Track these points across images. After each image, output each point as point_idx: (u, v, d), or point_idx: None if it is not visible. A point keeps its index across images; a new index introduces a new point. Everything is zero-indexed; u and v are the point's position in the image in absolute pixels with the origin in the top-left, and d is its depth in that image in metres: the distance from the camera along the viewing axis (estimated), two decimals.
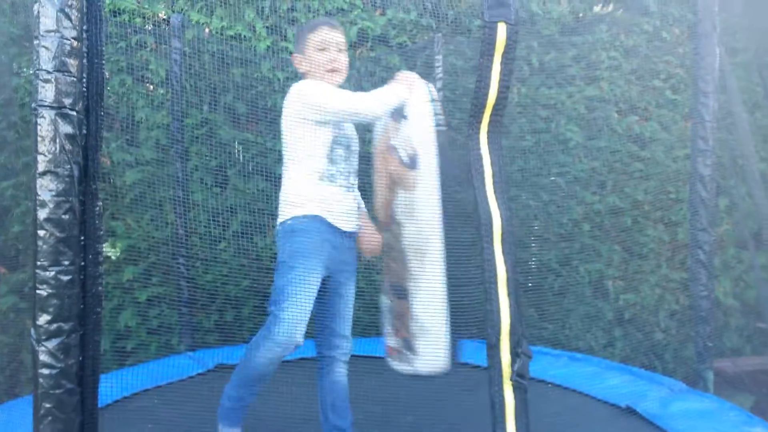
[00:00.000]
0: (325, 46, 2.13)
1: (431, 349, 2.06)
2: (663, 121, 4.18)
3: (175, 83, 3.44)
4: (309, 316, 1.99)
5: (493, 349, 1.36)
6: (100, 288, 1.24)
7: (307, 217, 2.04)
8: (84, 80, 1.16)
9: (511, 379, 1.31)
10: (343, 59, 2.17)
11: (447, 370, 2.07)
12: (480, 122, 1.44)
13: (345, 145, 2.13)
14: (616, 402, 2.65)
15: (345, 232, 2.10)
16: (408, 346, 2.14)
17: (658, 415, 2.48)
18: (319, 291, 2.05)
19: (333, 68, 2.13)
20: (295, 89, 2.09)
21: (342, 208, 2.09)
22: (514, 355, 1.34)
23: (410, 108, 2.07)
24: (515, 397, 1.35)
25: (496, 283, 1.38)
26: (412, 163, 2.08)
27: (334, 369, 2.16)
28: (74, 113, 1.13)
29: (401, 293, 2.13)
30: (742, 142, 2.54)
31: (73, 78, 1.12)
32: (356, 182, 2.19)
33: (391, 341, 2.22)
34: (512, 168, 4.08)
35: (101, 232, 1.23)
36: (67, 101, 1.12)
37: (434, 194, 2.03)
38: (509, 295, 1.39)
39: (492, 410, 1.35)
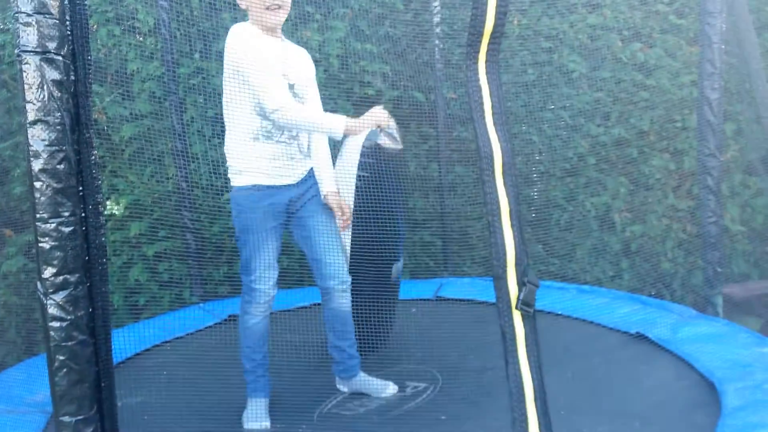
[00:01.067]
0: None
1: None
2: (668, 48, 4.06)
3: (164, 31, 3.34)
4: (276, 271, 2.20)
5: (500, 280, 1.35)
6: (103, 239, 1.23)
7: (243, 189, 2.11)
8: (67, 22, 1.12)
9: (517, 308, 1.31)
10: (284, 3, 2.11)
11: None
12: (477, 52, 1.38)
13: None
14: (626, 329, 2.69)
15: (290, 185, 2.17)
16: None
17: (668, 340, 2.52)
18: (298, 236, 2.25)
19: (270, 4, 2.08)
20: (228, 39, 2.04)
21: (282, 162, 2.13)
22: (521, 284, 1.33)
23: (345, 150, 2.29)
24: (524, 326, 1.35)
25: (499, 215, 1.36)
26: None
27: (333, 298, 2.29)
28: (60, 58, 1.09)
29: None
30: (750, 63, 2.46)
31: (55, 20, 1.07)
32: (305, 134, 2.22)
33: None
34: (516, 103, 4.01)
35: (99, 182, 1.21)
36: (51, 45, 1.08)
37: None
38: (513, 226, 1.37)
39: (503, 340, 1.35)
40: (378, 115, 2.24)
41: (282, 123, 2.06)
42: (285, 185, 2.16)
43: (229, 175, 2.16)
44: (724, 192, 3.76)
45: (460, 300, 3.28)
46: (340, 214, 2.32)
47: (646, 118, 3.98)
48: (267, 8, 2.07)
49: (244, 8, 2.14)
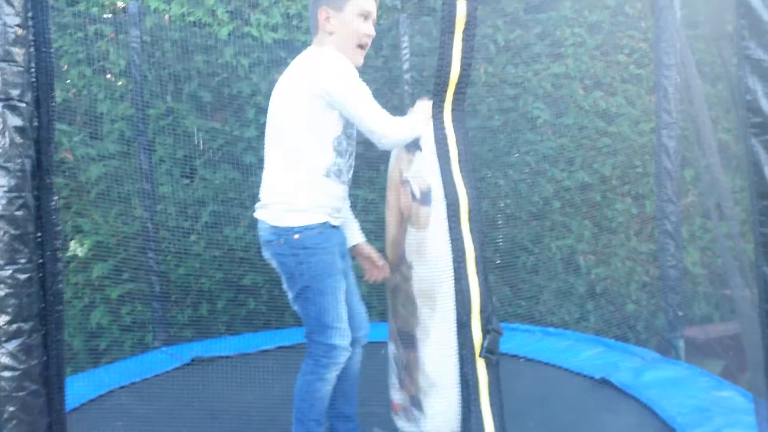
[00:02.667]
0: (369, 16, 1.90)
1: (440, 409, 1.85)
2: (628, 96, 4.22)
3: (136, 73, 3.36)
4: (347, 318, 1.89)
5: (464, 327, 1.36)
6: (60, 285, 1.21)
7: (316, 227, 1.83)
8: (32, 70, 1.12)
9: (481, 356, 1.32)
10: (371, 39, 1.94)
11: None
12: (443, 101, 1.43)
13: (350, 135, 1.94)
14: (591, 374, 2.70)
15: (339, 227, 1.96)
16: (415, 402, 1.93)
17: (631, 385, 2.54)
18: None
19: (364, 44, 1.91)
20: (332, 65, 1.80)
21: (341, 206, 1.95)
22: (485, 332, 1.34)
23: (425, 139, 1.87)
24: (488, 374, 1.36)
25: (464, 262, 1.38)
26: (424, 199, 1.88)
27: (353, 352, 1.97)
28: (23, 104, 1.09)
29: (409, 342, 1.94)
30: (699, 113, 2.57)
31: (19, 68, 1.08)
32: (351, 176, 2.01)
33: (396, 396, 2.01)
34: (482, 148, 4.10)
35: (59, 228, 1.20)
36: (15, 92, 1.08)
37: (447, 233, 1.80)
38: (478, 273, 1.39)
39: (465, 388, 1.35)
40: (427, 107, 1.95)
41: (390, 144, 1.88)
42: (338, 227, 1.95)
43: (284, 214, 1.84)
44: (685, 236, 3.87)
45: None
46: (373, 263, 2.04)
47: (608, 164, 4.10)
48: (359, 46, 1.90)
49: (325, 31, 1.90)
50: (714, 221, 2.46)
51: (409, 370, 1.94)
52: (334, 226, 1.89)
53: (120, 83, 3.58)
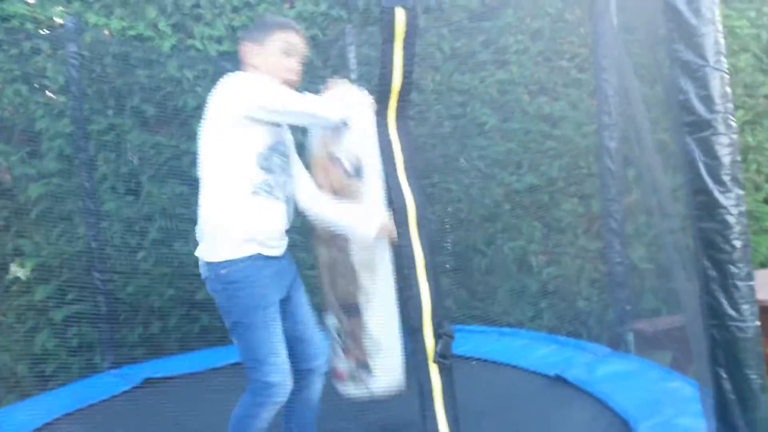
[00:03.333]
0: (293, 53, 1.88)
1: (388, 368, 1.93)
2: (571, 100, 4.35)
3: (75, 89, 3.26)
4: (286, 353, 1.79)
5: (417, 333, 1.37)
6: None
7: (245, 260, 1.75)
8: None
9: (434, 361, 1.32)
10: (298, 74, 1.92)
11: (402, 390, 1.94)
12: (387, 108, 1.44)
13: (282, 151, 1.87)
14: (545, 371, 2.75)
15: (281, 256, 1.86)
16: (361, 366, 1.99)
17: (585, 380, 2.60)
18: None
19: (288, 79, 1.87)
20: (237, 81, 1.79)
21: (278, 226, 1.83)
22: (437, 336, 1.35)
23: (351, 116, 1.90)
24: (441, 378, 1.37)
25: (414, 268, 1.39)
26: (357, 173, 1.92)
27: (312, 382, 1.91)
28: None
29: (352, 311, 1.98)
30: (637, 116, 2.67)
31: None
32: (292, 192, 1.93)
33: (341, 364, 2.05)
34: (434, 154, 4.14)
35: None
36: None
37: (382, 204, 1.87)
38: (428, 279, 1.40)
39: (420, 395, 1.36)
40: (342, 85, 1.96)
41: (312, 121, 1.90)
42: (280, 256, 1.85)
43: (213, 244, 1.78)
44: (630, 232, 4.00)
45: None
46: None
47: (554, 166, 4.20)
48: (284, 82, 1.85)
49: (248, 64, 1.89)
50: (656, 218, 2.55)
51: (354, 336, 2.00)
52: (268, 257, 1.79)
53: (60, 100, 3.47)
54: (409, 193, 1.45)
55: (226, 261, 1.76)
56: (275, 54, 1.86)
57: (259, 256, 1.78)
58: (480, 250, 4.15)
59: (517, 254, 4.16)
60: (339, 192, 1.99)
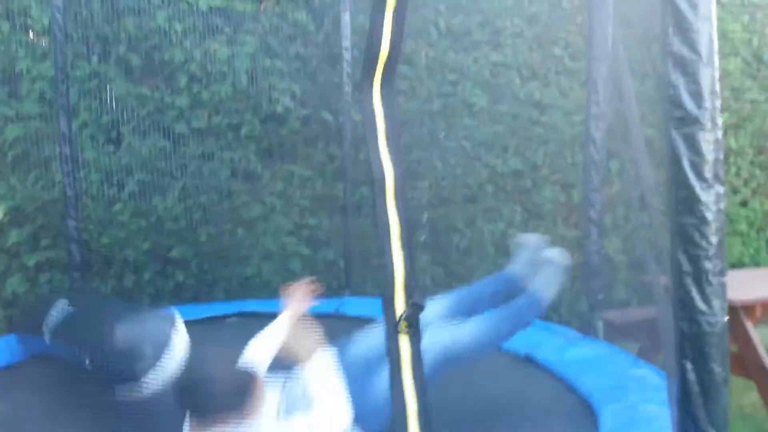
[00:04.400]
0: None
1: None
2: (561, 88, 4.35)
3: (58, 32, 3.16)
4: None
5: (388, 302, 1.38)
6: None
7: None
8: None
9: (403, 330, 1.33)
10: None
11: None
12: (372, 78, 1.42)
13: None
14: (515, 350, 2.79)
15: None
16: None
17: (554, 361, 2.64)
18: None
19: None
20: None
21: None
22: (409, 306, 1.36)
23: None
24: (410, 347, 1.38)
25: (389, 237, 1.39)
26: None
27: None
28: None
29: None
30: (627, 109, 2.68)
31: None
32: None
33: None
34: (421, 130, 4.13)
35: None
36: None
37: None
38: (402, 248, 1.40)
39: (390, 362, 1.37)
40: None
41: None
42: None
43: None
44: (608, 224, 4.04)
45: (359, 318, 3.29)
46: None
47: (540, 152, 4.22)
48: None
49: None
50: (636, 212, 2.59)
51: None
52: None
53: (42, 41, 3.38)
54: (389, 164, 1.45)
55: None
56: None
57: None
58: (459, 229, 4.17)
59: (496, 237, 4.19)
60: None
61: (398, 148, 1.40)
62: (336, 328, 2.40)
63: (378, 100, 1.40)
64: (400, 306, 1.40)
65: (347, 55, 3.83)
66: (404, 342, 1.40)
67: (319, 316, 2.83)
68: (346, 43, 3.83)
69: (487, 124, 4.20)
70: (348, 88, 3.86)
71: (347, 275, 3.96)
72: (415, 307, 1.32)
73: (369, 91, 1.40)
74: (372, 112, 1.40)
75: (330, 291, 3.95)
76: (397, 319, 1.33)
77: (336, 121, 3.94)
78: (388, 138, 1.40)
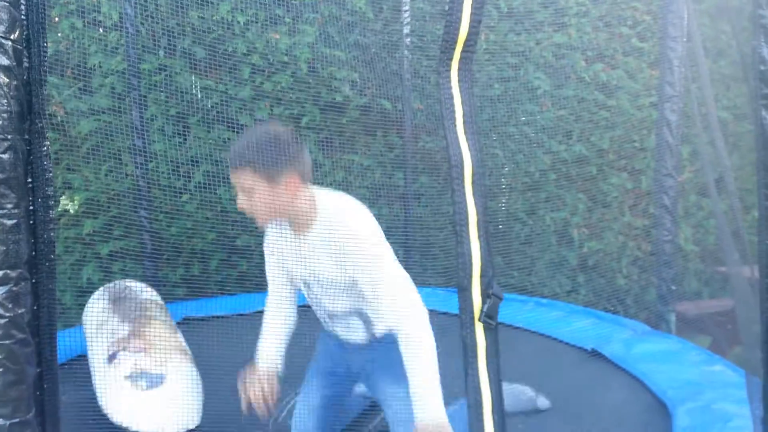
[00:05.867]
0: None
1: None
2: (629, 69, 4.17)
3: (128, 26, 3.25)
4: None
5: (464, 291, 1.34)
6: (52, 234, 1.17)
7: None
8: (22, 7, 1.06)
9: (480, 320, 1.30)
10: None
11: None
12: (451, 59, 1.37)
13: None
14: (582, 345, 2.71)
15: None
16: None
17: (623, 357, 2.55)
18: None
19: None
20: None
21: None
22: (485, 296, 1.32)
23: None
24: (486, 338, 1.34)
25: (467, 225, 1.35)
26: None
27: None
28: (9, 42, 1.03)
29: None
30: (703, 89, 2.54)
31: (5, 3, 1.02)
32: None
33: None
34: (481, 117, 4.05)
35: (50, 174, 1.15)
36: (0, 29, 1.02)
37: None
38: (480, 237, 1.36)
39: (464, 351, 1.34)
40: None
41: None
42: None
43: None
44: (679, 212, 3.87)
45: None
46: None
47: (606, 138, 4.07)
48: None
49: None
50: (713, 198, 2.45)
51: None
52: None
53: (112, 36, 3.48)
54: (467, 149, 1.40)
55: None
56: None
57: None
58: (520, 218, 4.07)
59: (559, 225, 4.07)
60: None
61: (476, 133, 1.36)
62: None
63: (456, 84, 1.35)
64: (477, 296, 1.36)
65: (407, 42, 3.78)
66: (480, 332, 1.36)
67: None
68: (406, 30, 3.78)
69: (550, 108, 4.08)
70: (408, 75, 3.82)
71: (407, 265, 3.94)
72: (495, 299, 1.28)
73: (447, 74, 1.35)
74: (450, 95, 1.35)
75: None
76: (477, 310, 1.30)
77: (395, 109, 3.90)
78: (465, 123, 1.35)
